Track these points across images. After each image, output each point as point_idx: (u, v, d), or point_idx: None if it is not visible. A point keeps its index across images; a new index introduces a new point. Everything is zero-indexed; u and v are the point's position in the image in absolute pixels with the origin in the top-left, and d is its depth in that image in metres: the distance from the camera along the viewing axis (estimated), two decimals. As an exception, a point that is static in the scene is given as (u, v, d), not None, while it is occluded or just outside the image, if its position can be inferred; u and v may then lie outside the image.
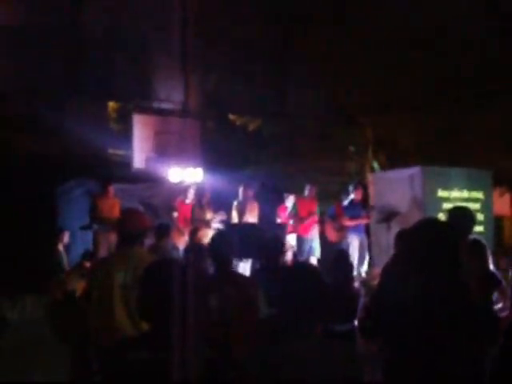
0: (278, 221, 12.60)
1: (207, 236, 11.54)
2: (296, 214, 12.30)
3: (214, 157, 14.26)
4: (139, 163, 13.62)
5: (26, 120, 12.32)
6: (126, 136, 13.83)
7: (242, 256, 9.94)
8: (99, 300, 4.53)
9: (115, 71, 13.63)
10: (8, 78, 12.25)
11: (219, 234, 6.11)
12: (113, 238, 9.21)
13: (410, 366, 2.79)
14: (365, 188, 12.97)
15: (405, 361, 2.82)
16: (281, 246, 6.45)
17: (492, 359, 3.06)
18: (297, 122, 15.60)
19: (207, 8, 14.10)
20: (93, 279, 4.83)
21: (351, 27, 13.89)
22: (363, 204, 12.27)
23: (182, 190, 12.41)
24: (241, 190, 12.03)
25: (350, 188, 12.34)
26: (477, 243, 5.51)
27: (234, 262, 9.99)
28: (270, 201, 13.00)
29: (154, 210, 11.96)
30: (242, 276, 5.67)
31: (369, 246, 12.27)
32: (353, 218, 11.92)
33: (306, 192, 12.48)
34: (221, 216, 11.85)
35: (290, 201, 12.64)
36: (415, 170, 11.85)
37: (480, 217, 11.52)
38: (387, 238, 11.03)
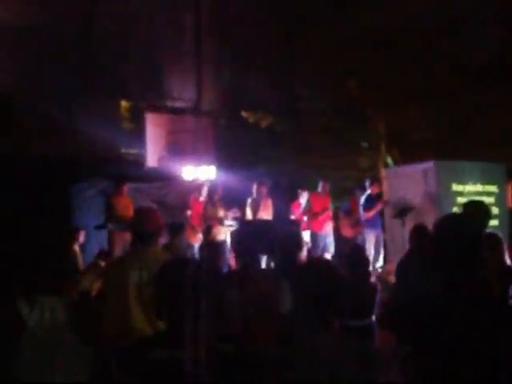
0: (292, 217, 12.59)
1: (221, 233, 11.59)
2: (310, 211, 12.29)
3: (227, 154, 14.28)
4: (152, 162, 13.67)
5: (39, 120, 12.37)
6: (139, 135, 13.87)
7: (257, 253, 9.93)
8: (115, 299, 4.54)
9: (128, 70, 13.65)
10: (21, 78, 12.30)
11: (243, 231, 6.13)
12: (128, 237, 9.20)
13: (433, 365, 2.76)
14: (379, 183, 12.96)
15: (427, 359, 2.80)
16: (299, 243, 6.44)
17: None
18: (309, 119, 15.57)
19: (219, 6, 14.14)
20: (108, 279, 4.84)
21: (364, 20, 13.84)
22: (380, 199, 12.27)
23: (195, 187, 12.43)
24: (255, 187, 12.02)
25: (367, 183, 12.35)
26: (492, 236, 5.47)
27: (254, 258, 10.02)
28: (284, 198, 13.00)
29: (168, 208, 11.99)
30: (264, 271, 5.67)
31: (384, 241, 12.26)
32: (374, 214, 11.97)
33: (320, 188, 12.48)
34: (234, 213, 11.86)
35: (303, 197, 12.64)
36: (429, 165, 11.79)
37: (494, 210, 11.44)
38: (402, 233, 11.00)
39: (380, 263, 11.83)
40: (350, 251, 6.83)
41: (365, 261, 6.67)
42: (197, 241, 11.36)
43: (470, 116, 14.15)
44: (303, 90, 15.54)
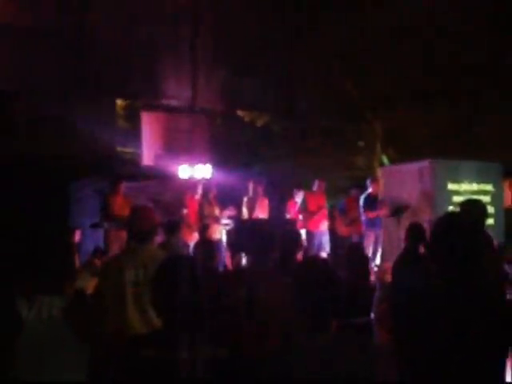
0: (288, 216, 12.61)
1: (217, 232, 11.60)
2: (305, 209, 12.31)
3: (223, 153, 14.28)
4: (148, 160, 13.66)
5: (35, 119, 12.34)
6: (135, 134, 13.86)
7: (253, 251, 9.93)
8: (111, 298, 4.53)
9: (123, 69, 13.62)
10: (16, 77, 12.27)
11: (239, 229, 6.13)
12: (124, 235, 9.21)
13: (429, 362, 2.76)
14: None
15: (423, 357, 2.80)
16: (299, 242, 6.43)
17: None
18: (305, 118, 15.57)
19: (216, 5, 14.12)
20: (104, 277, 4.84)
21: (360, 21, 13.85)
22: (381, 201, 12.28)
23: (191, 186, 12.43)
24: (251, 185, 12.04)
25: (368, 182, 12.37)
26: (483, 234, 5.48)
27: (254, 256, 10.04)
28: (280, 197, 13.01)
29: (164, 206, 11.97)
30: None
31: (379, 240, 12.30)
32: (372, 210, 11.99)
33: (315, 187, 12.51)
34: (230, 212, 11.87)
35: (299, 196, 12.65)
36: (424, 164, 11.82)
37: (490, 209, 11.46)
38: (397, 231, 11.02)
39: (377, 262, 11.85)
40: (349, 250, 6.82)
41: (363, 259, 6.66)
42: (192, 239, 11.35)
43: (467, 115, 14.17)
44: (300, 89, 15.53)
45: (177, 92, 14.56)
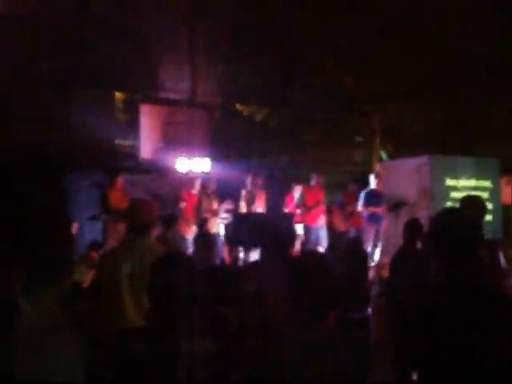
0: (286, 210, 12.61)
1: (215, 226, 11.61)
2: (303, 204, 12.31)
3: (221, 147, 14.26)
4: (146, 153, 13.64)
5: (33, 110, 12.31)
6: (133, 126, 13.83)
7: (252, 245, 9.94)
8: (107, 290, 4.53)
9: (122, 61, 13.59)
10: (14, 68, 12.23)
11: (237, 223, 6.14)
12: (122, 228, 9.21)
13: (427, 358, 2.75)
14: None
15: (421, 353, 2.78)
16: (291, 236, 6.43)
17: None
18: (303, 112, 15.55)
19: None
20: (101, 269, 4.84)
21: (360, 15, 13.81)
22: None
23: (188, 180, 12.42)
24: (249, 179, 12.03)
25: (372, 177, 12.33)
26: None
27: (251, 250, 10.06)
28: (278, 190, 13.00)
29: (161, 200, 11.97)
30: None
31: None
32: (376, 206, 11.97)
33: (313, 181, 12.51)
34: (227, 205, 11.86)
35: (297, 190, 12.63)
36: (423, 159, 11.81)
37: (488, 205, 11.46)
38: (395, 227, 11.02)
39: (377, 257, 11.84)
40: (348, 245, 6.82)
41: (362, 254, 6.66)
42: (190, 233, 11.36)
43: (465, 110, 14.16)
44: (299, 83, 15.51)
45: (176, 85, 14.53)
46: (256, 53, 14.49)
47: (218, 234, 11.50)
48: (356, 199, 12.38)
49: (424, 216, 9.09)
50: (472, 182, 11.98)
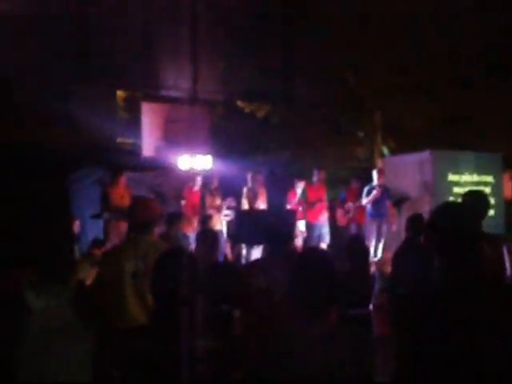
0: (288, 207, 12.61)
1: (219, 222, 11.62)
2: (305, 200, 12.31)
3: (223, 144, 14.25)
4: (148, 151, 13.64)
5: (34, 109, 12.31)
6: (135, 124, 13.83)
7: (254, 242, 9.95)
8: (111, 288, 4.54)
9: (123, 59, 13.58)
10: (16, 66, 12.23)
11: (239, 220, 6.14)
12: (124, 226, 9.23)
13: (430, 354, 2.74)
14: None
15: (424, 348, 2.78)
16: (289, 232, 6.42)
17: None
18: (305, 108, 15.53)
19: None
20: (104, 268, 4.85)
21: (360, 9, 13.80)
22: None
23: (189, 177, 12.42)
24: (250, 176, 12.03)
25: (374, 173, 12.30)
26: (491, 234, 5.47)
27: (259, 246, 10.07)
28: (280, 187, 13.00)
29: (163, 198, 11.99)
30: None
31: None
32: (379, 203, 11.93)
33: (315, 177, 12.50)
34: (229, 202, 11.87)
35: (299, 187, 12.63)
36: (425, 155, 11.82)
37: (491, 200, 11.47)
38: (398, 222, 11.03)
39: (379, 252, 11.83)
40: (349, 241, 6.83)
41: (364, 250, 6.66)
42: (191, 231, 11.37)
43: (467, 106, 14.13)
44: (300, 79, 15.49)
45: (177, 83, 14.51)
46: (257, 50, 14.48)
47: (220, 231, 11.52)
48: (359, 196, 12.38)
49: (426, 211, 9.09)
50: (474, 177, 11.99)
